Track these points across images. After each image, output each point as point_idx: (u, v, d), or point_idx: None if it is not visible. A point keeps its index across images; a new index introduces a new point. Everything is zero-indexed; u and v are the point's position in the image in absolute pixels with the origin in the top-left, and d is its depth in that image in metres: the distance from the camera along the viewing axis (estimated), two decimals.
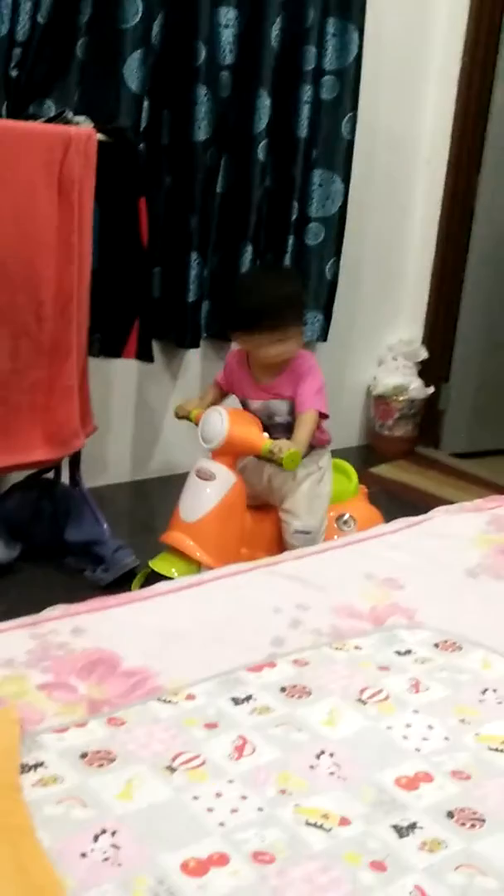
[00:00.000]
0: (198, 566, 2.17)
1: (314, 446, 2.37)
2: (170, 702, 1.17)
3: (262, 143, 3.09)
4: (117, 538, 2.60)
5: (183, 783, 1.02)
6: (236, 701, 1.18)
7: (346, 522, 2.48)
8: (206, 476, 2.23)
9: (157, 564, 2.25)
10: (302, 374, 2.32)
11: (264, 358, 2.34)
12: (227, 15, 2.94)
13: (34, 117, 2.59)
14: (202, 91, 2.91)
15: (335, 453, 3.74)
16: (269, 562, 1.62)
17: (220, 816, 0.97)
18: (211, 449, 2.24)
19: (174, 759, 1.05)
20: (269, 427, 2.34)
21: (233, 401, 2.51)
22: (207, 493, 2.22)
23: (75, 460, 2.69)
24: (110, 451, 3.19)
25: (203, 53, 2.87)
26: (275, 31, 3.02)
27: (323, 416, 2.35)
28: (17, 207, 2.28)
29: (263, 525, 2.40)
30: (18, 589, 2.38)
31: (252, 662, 1.27)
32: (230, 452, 2.24)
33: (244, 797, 1.00)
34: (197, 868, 0.90)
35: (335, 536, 2.35)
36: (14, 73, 2.58)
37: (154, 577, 2.18)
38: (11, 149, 2.26)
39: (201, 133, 2.94)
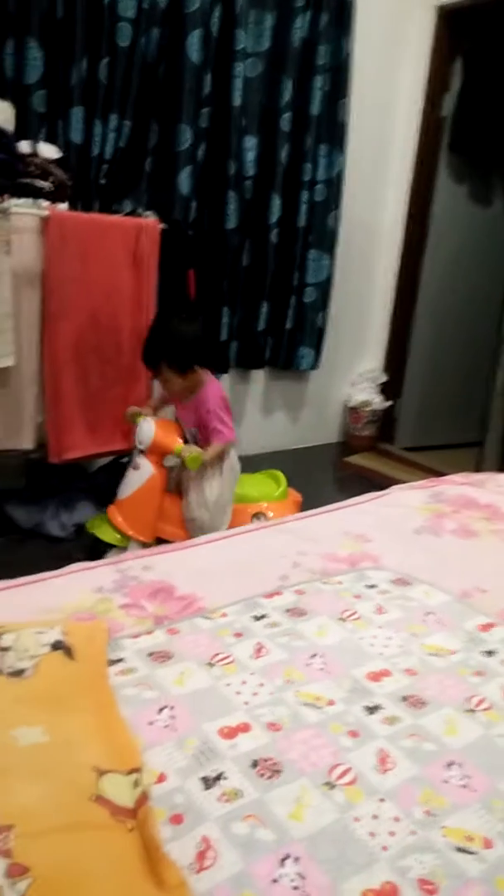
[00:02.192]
0: (125, 534, 2.10)
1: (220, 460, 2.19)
2: (209, 618, 1.17)
3: (274, 231, 3.08)
4: None
5: (219, 674, 1.02)
6: (255, 618, 1.18)
7: (258, 518, 2.29)
8: (135, 467, 2.12)
9: (97, 530, 2.16)
10: (207, 409, 2.08)
11: (171, 391, 2.14)
12: (251, 141, 2.93)
13: (116, 212, 2.59)
14: (232, 194, 2.89)
15: (321, 448, 3.76)
16: (277, 521, 1.61)
17: (244, 698, 0.97)
18: (142, 449, 2.11)
19: (212, 657, 1.06)
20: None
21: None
22: (134, 480, 2.11)
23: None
24: None
25: (233, 168, 2.86)
26: (283, 153, 3.00)
27: (232, 441, 2.15)
28: (105, 275, 2.29)
29: (179, 508, 2.22)
30: None
31: (266, 591, 1.27)
32: (155, 452, 2.09)
33: (261, 684, 1.01)
34: (229, 733, 0.90)
35: None
36: (103, 181, 2.57)
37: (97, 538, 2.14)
38: (102, 234, 2.26)
39: (231, 223, 2.92)
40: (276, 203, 3.04)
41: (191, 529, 2.15)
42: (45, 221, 2.13)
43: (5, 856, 0.62)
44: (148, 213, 2.49)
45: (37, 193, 2.20)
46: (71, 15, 2.36)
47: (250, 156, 2.94)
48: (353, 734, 0.92)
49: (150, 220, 2.40)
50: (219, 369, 3.15)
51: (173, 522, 2.18)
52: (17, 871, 0.61)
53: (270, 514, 2.32)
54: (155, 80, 2.62)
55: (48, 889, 0.60)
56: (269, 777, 0.84)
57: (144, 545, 2.07)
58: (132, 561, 1.36)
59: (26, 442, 2.31)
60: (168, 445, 2.08)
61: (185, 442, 2.12)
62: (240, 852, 0.74)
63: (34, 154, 2.21)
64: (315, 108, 3.02)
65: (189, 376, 2.06)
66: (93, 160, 2.52)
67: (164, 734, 0.89)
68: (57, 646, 0.95)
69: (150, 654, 1.05)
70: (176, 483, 2.25)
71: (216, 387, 2.14)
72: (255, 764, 0.86)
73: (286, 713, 0.95)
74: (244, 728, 0.91)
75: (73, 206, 2.37)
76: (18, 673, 0.89)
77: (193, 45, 2.62)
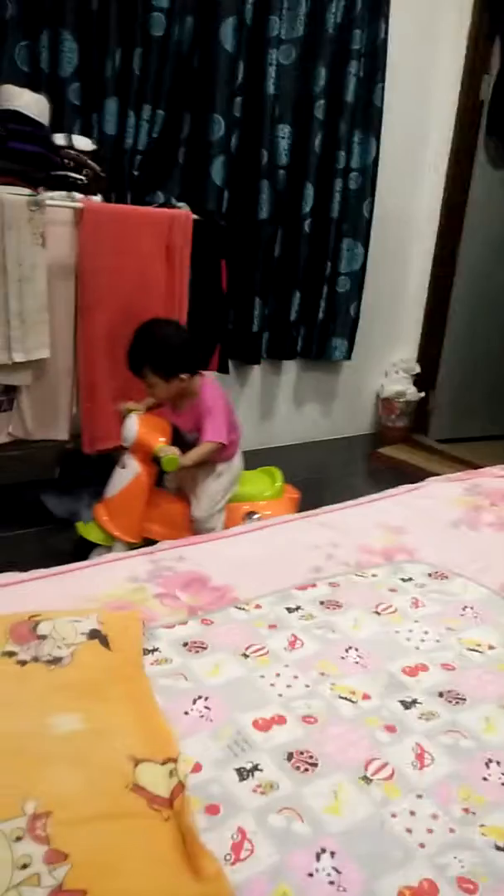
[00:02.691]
0: (110, 534, 2.02)
1: (217, 461, 2.10)
2: (243, 609, 1.16)
3: (307, 221, 3.04)
4: None
5: (253, 666, 1.01)
6: (289, 610, 1.17)
7: (251, 518, 2.17)
8: (122, 466, 2.04)
9: (85, 532, 2.08)
10: (202, 413, 2.02)
11: (157, 397, 2.06)
12: (284, 130, 2.89)
13: (149, 204, 2.58)
14: (265, 184, 2.87)
15: (353, 440, 3.73)
16: (310, 514, 1.59)
17: (279, 690, 0.97)
18: (127, 447, 2.03)
19: (247, 648, 1.05)
20: (182, 438, 2.10)
21: None
22: (120, 478, 2.03)
23: None
24: None
25: (266, 157, 2.83)
26: (317, 141, 2.96)
27: (221, 443, 2.02)
28: (138, 266, 2.29)
29: (173, 508, 2.14)
30: None
31: (300, 583, 1.26)
32: (139, 450, 2.00)
33: (295, 677, 1.00)
34: (264, 725, 0.90)
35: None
36: (136, 173, 2.57)
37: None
38: (135, 226, 2.26)
39: (264, 213, 2.90)
40: (310, 192, 3.00)
41: (194, 528, 2.10)
42: (79, 214, 2.13)
43: (43, 842, 0.62)
44: (180, 204, 2.48)
45: (71, 186, 2.20)
46: (105, 6, 2.35)
47: (283, 145, 2.91)
48: (390, 729, 0.91)
49: (183, 212, 2.39)
50: (249, 360, 3.14)
51: (162, 523, 2.09)
52: (55, 858, 0.61)
53: (268, 512, 2.19)
54: (188, 69, 2.61)
55: (86, 876, 0.60)
56: (305, 770, 0.83)
57: (131, 546, 1.97)
58: (166, 551, 1.37)
59: (61, 433, 2.33)
60: (149, 444, 1.97)
61: (180, 444, 2.02)
62: (275, 845, 0.74)
63: (69, 147, 2.22)
64: (350, 94, 2.97)
65: (174, 383, 1.97)
66: (126, 152, 2.52)
67: (199, 724, 0.89)
68: (93, 635, 0.96)
69: (185, 645, 1.05)
70: (177, 483, 2.20)
71: (212, 389, 2.06)
72: (290, 756, 0.85)
73: (321, 706, 0.94)
74: (279, 720, 0.91)
75: (106, 198, 2.37)
76: (56, 661, 0.89)
77: (227, 33, 2.59)
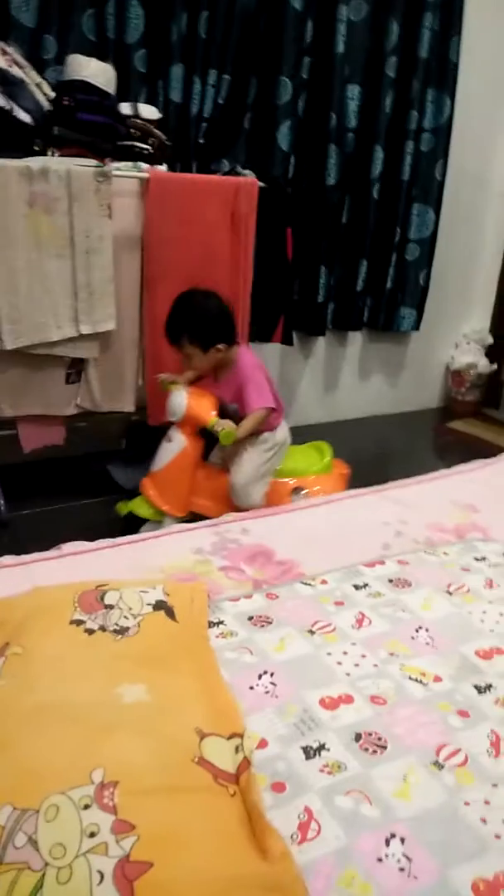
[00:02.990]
0: (158, 508, 1.99)
1: (263, 431, 2.03)
2: (309, 584, 1.14)
3: (376, 186, 2.92)
4: None
5: (320, 642, 0.99)
6: (357, 587, 1.14)
7: (298, 493, 2.08)
8: (168, 440, 2.00)
9: (133, 504, 2.04)
10: (242, 382, 1.96)
11: (195, 368, 2.01)
12: (353, 91, 2.77)
13: (215, 172, 2.53)
14: (332, 148, 2.76)
15: (421, 414, 3.61)
16: (379, 489, 1.55)
17: (346, 668, 0.94)
18: (175, 421, 1.98)
19: (313, 625, 1.03)
20: (224, 409, 2.02)
21: None
22: (166, 452, 2.00)
23: None
24: None
25: (334, 120, 2.72)
26: (388, 101, 2.82)
27: (270, 409, 1.97)
28: (203, 235, 2.25)
29: (220, 482, 2.05)
30: None
31: (368, 560, 1.23)
32: (188, 424, 1.95)
33: (363, 656, 0.97)
34: (331, 703, 0.87)
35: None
36: (201, 141, 2.53)
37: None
38: (200, 194, 2.22)
39: (331, 179, 2.80)
40: (379, 156, 2.88)
41: (232, 496, 2.04)
42: (145, 184, 2.11)
43: (111, 811, 0.62)
44: (246, 171, 2.42)
45: (137, 156, 2.18)
46: None
47: (352, 106, 2.79)
48: (463, 714, 0.87)
49: (249, 179, 2.33)
50: (314, 332, 3.07)
51: (208, 496, 2.04)
52: (122, 828, 0.61)
53: (316, 487, 2.11)
54: (255, 31, 2.52)
55: (152, 849, 0.60)
56: (374, 752, 0.80)
57: (180, 520, 1.96)
58: (231, 524, 1.35)
59: (127, 405, 2.34)
60: (202, 418, 1.92)
61: (222, 415, 1.97)
62: (343, 827, 0.72)
63: (135, 116, 2.19)
64: (423, 49, 2.81)
65: (212, 353, 1.93)
66: (191, 119, 2.47)
67: (265, 700, 0.87)
68: (159, 605, 0.95)
69: (250, 619, 1.04)
70: (223, 456, 2.13)
71: (250, 358, 2.01)
72: (358, 737, 0.82)
73: (390, 687, 0.90)
74: (346, 699, 0.88)
75: (171, 167, 2.34)
76: (122, 631, 0.89)
77: None
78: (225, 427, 1.88)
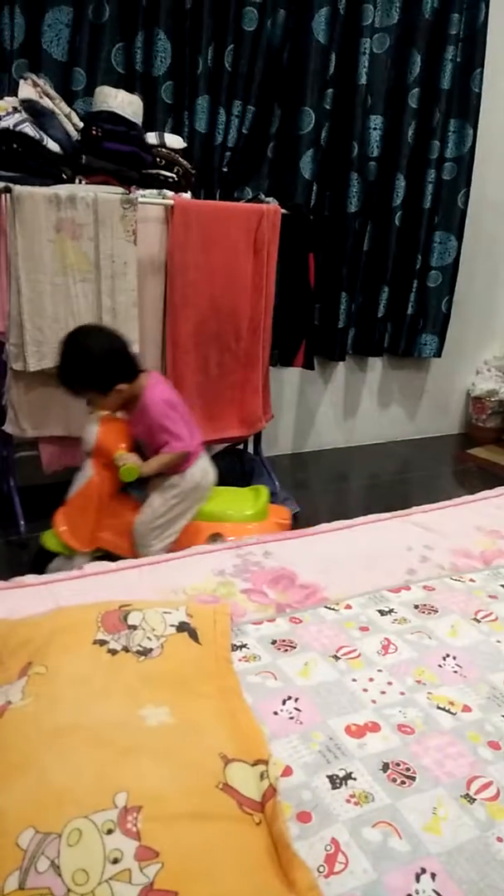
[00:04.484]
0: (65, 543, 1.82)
1: (171, 473, 1.84)
2: (333, 609, 1.12)
3: (398, 214, 2.95)
4: (284, 491, 2.58)
5: (345, 668, 0.97)
6: (382, 612, 1.12)
7: (213, 540, 1.80)
8: (81, 469, 1.84)
9: (43, 536, 1.87)
10: (152, 419, 1.78)
11: (103, 409, 1.82)
12: (375, 120, 2.81)
13: (238, 200, 2.57)
14: (354, 176, 2.80)
15: (440, 440, 3.59)
16: (403, 513, 1.53)
17: (372, 695, 0.92)
18: (86, 451, 1.82)
19: (337, 650, 1.01)
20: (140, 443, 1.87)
21: None
22: (76, 482, 1.83)
23: (257, 437, 2.69)
24: (280, 431, 3.17)
25: (356, 149, 2.76)
26: (410, 130, 2.86)
27: (186, 451, 1.81)
28: (226, 262, 2.28)
29: (123, 517, 1.86)
30: None
31: (392, 585, 1.21)
32: (99, 455, 1.79)
33: (390, 683, 0.95)
34: (357, 731, 0.85)
35: None
36: (225, 169, 2.57)
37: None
38: (224, 221, 2.26)
39: (353, 206, 2.83)
40: (401, 184, 2.91)
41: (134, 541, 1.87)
42: (169, 211, 2.15)
43: (135, 837, 0.61)
44: (269, 199, 2.46)
45: (162, 184, 2.22)
46: (199, 4, 2.36)
47: (375, 136, 2.83)
48: (494, 745, 0.84)
49: (271, 206, 2.36)
50: (335, 357, 3.08)
51: (115, 531, 1.85)
52: (146, 855, 0.59)
53: (232, 538, 1.77)
54: (279, 63, 2.58)
55: (177, 878, 0.58)
56: (402, 783, 0.78)
57: (90, 556, 1.81)
58: (253, 546, 1.34)
59: None
60: (109, 449, 1.77)
61: (137, 449, 1.81)
62: (371, 860, 0.69)
63: (161, 145, 2.24)
64: (446, 81, 2.86)
65: (113, 394, 1.76)
66: (216, 148, 2.52)
67: (289, 726, 0.85)
68: (182, 627, 0.94)
69: (273, 643, 1.02)
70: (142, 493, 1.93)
71: (156, 392, 1.80)
72: (385, 767, 0.80)
73: (418, 716, 0.88)
74: (373, 727, 0.86)
75: (195, 195, 2.38)
76: (146, 652, 0.88)
77: (320, 24, 2.55)
78: (127, 462, 1.73)
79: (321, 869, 0.68)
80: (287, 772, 0.79)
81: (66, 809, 0.63)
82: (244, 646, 1.01)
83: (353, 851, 0.70)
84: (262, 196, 2.53)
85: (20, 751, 0.71)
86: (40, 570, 1.65)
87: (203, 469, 1.89)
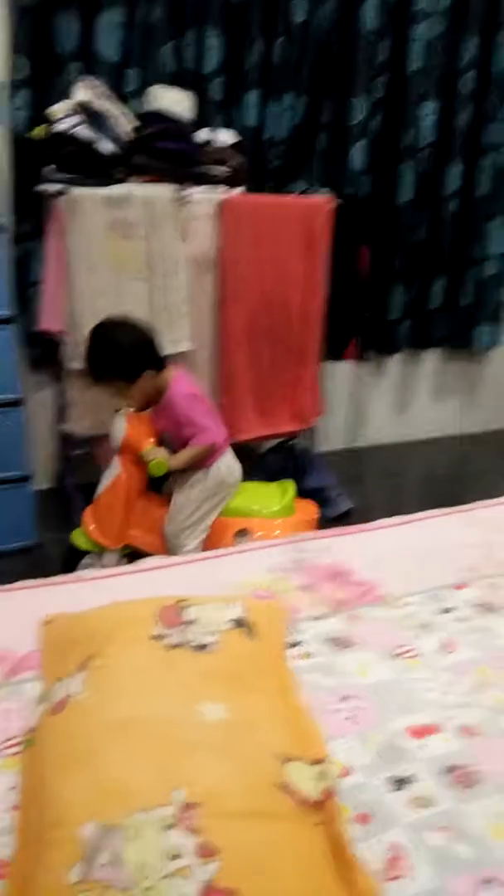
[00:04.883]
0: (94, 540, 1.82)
1: (198, 468, 1.81)
2: (390, 607, 1.10)
3: (452, 202, 2.87)
4: (337, 486, 2.55)
5: (403, 667, 0.95)
6: (442, 610, 1.09)
7: (241, 536, 1.82)
8: (109, 467, 1.83)
9: (73, 534, 1.87)
10: (178, 414, 1.77)
11: (129, 400, 1.80)
12: (428, 107, 2.73)
13: (289, 193, 2.55)
14: (407, 165, 2.73)
15: (499, 433, 3.48)
16: (462, 509, 1.48)
17: (433, 696, 0.89)
18: (114, 448, 1.81)
19: (396, 648, 0.99)
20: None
21: None
22: (104, 479, 1.83)
23: (310, 432, 2.67)
24: (333, 426, 3.12)
25: (409, 137, 2.69)
26: (464, 116, 2.77)
27: (213, 444, 1.78)
28: (277, 256, 2.27)
29: (154, 514, 1.85)
30: None
31: (452, 583, 1.17)
32: (126, 451, 1.77)
33: (451, 683, 0.92)
34: (418, 732, 0.83)
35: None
36: (276, 163, 2.55)
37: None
38: (273, 215, 2.24)
39: (405, 196, 2.76)
40: (455, 171, 2.82)
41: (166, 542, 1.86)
42: (220, 207, 2.15)
43: (194, 833, 0.60)
44: (321, 190, 2.43)
45: (213, 180, 2.22)
46: None
47: (427, 123, 2.75)
48: None
49: (322, 198, 2.33)
50: (387, 350, 3.02)
51: (146, 528, 1.84)
52: (206, 852, 0.59)
53: (260, 533, 1.82)
54: (329, 53, 2.54)
55: (237, 876, 0.58)
56: (466, 787, 0.75)
57: (119, 553, 1.81)
58: (307, 542, 1.33)
59: None
60: (137, 445, 1.76)
61: (162, 444, 1.80)
62: (435, 867, 0.67)
63: (211, 141, 2.24)
64: (500, 64, 2.75)
65: (141, 383, 1.75)
66: (265, 142, 2.50)
67: (347, 726, 0.84)
68: (238, 623, 0.93)
69: (330, 640, 1.01)
70: (169, 489, 1.92)
71: (182, 385, 1.80)
72: (448, 770, 0.78)
73: (482, 718, 0.85)
74: (434, 729, 0.83)
75: (246, 190, 2.36)
76: (202, 647, 0.88)
77: (369, 11, 2.49)
78: (156, 457, 1.72)
79: (382, 873, 0.66)
80: (345, 772, 0.77)
81: (127, 803, 0.63)
82: (300, 643, 1.00)
83: (416, 857, 0.68)
84: (314, 188, 2.50)
85: (81, 743, 0.72)
86: (71, 569, 1.64)
87: (228, 465, 1.87)
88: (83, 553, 1.84)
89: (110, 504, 1.81)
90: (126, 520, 1.82)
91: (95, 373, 1.77)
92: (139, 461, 1.76)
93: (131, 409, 1.82)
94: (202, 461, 1.80)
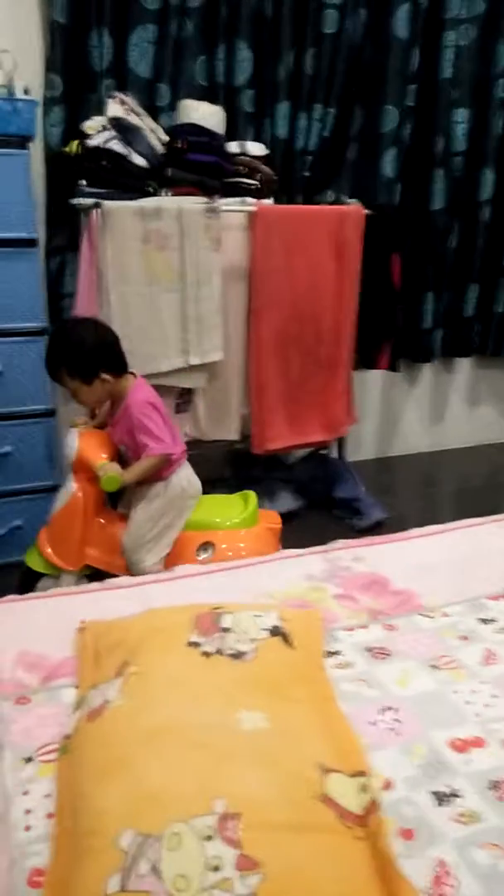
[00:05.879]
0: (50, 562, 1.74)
1: (153, 480, 1.74)
2: (430, 616, 1.08)
3: (486, 209, 2.84)
4: (370, 496, 2.52)
5: (445, 679, 0.92)
6: (482, 621, 1.06)
7: (204, 550, 1.74)
8: (63, 485, 1.77)
9: (27, 556, 1.79)
10: (133, 422, 1.69)
11: (83, 402, 1.76)
12: (461, 115, 2.72)
13: (320, 203, 2.55)
14: (439, 173, 2.71)
15: None
16: (499, 518, 1.45)
17: (476, 709, 0.87)
18: (68, 464, 1.74)
19: (436, 659, 0.96)
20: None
21: None
22: (58, 498, 1.76)
23: (341, 441, 2.65)
24: (365, 435, 3.10)
25: (441, 144, 2.68)
26: (498, 122, 2.75)
27: (168, 455, 1.71)
28: (309, 266, 2.26)
29: (109, 532, 1.77)
30: (303, 529, 2.35)
31: (492, 593, 1.14)
32: (80, 467, 1.70)
33: (494, 696, 0.89)
34: (461, 746, 0.81)
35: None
36: (306, 174, 2.56)
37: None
38: (305, 225, 2.24)
39: (437, 204, 2.75)
40: (489, 178, 2.80)
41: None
42: (251, 217, 2.15)
43: (235, 846, 0.59)
44: (351, 200, 2.42)
45: (244, 191, 2.23)
46: (278, 11, 2.36)
47: (460, 130, 2.74)
48: None
49: (353, 207, 2.33)
50: (420, 359, 2.99)
51: (102, 547, 1.76)
52: (247, 865, 0.57)
53: (223, 545, 1.75)
54: (359, 63, 2.55)
55: (279, 889, 0.56)
56: None
57: (78, 575, 1.74)
58: (341, 550, 1.31)
59: (232, 433, 2.36)
60: (89, 461, 1.68)
61: (120, 460, 1.73)
62: (483, 885, 0.65)
63: (242, 153, 2.25)
64: None
65: (97, 385, 1.68)
66: (296, 153, 2.51)
67: (388, 737, 0.82)
68: (275, 631, 0.92)
69: (368, 650, 0.98)
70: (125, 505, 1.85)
71: (140, 393, 1.74)
72: (493, 785, 0.75)
73: None
74: (478, 742, 0.81)
75: (277, 201, 2.37)
76: (239, 655, 0.87)
77: (401, 19, 2.49)
78: (108, 472, 1.64)
79: (429, 891, 0.64)
80: (387, 785, 0.75)
81: (166, 812, 0.62)
82: (338, 652, 0.98)
83: (463, 874, 0.65)
84: (344, 198, 2.50)
85: (118, 750, 0.71)
86: (27, 591, 1.55)
87: (188, 477, 1.79)
88: (40, 575, 1.75)
89: (66, 524, 1.73)
90: (84, 540, 1.74)
91: (52, 369, 1.69)
92: (94, 478, 1.68)
93: (85, 425, 1.78)
94: (157, 473, 1.73)
